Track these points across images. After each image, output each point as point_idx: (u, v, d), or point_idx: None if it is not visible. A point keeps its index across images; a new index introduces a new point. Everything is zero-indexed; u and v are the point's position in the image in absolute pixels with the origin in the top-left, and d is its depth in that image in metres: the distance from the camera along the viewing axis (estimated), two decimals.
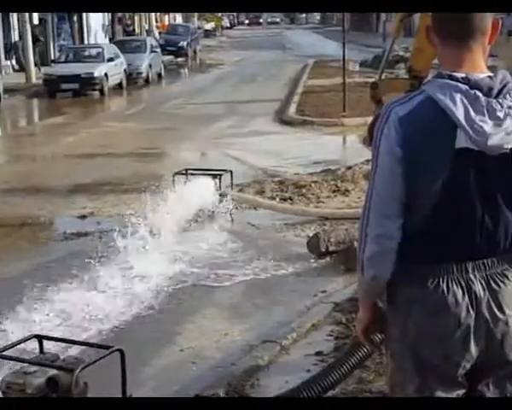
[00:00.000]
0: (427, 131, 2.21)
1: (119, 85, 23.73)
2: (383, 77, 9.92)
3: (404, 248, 2.29)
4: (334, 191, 9.10)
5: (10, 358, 3.67)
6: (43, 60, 27.67)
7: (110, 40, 32.12)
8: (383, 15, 51.53)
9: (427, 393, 2.31)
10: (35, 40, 26.70)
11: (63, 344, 4.17)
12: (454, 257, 2.25)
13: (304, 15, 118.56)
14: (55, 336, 4.40)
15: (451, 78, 2.21)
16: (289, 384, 4.20)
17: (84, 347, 4.28)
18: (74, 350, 4.34)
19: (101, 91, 22.22)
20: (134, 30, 41.07)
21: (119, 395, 3.77)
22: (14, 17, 29.14)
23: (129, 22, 41.33)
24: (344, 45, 16.42)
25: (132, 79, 25.11)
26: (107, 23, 36.85)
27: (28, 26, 24.98)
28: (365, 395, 4.03)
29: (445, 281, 2.24)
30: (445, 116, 2.19)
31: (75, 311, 5.72)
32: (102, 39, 35.51)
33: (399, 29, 8.66)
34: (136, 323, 5.54)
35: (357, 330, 2.50)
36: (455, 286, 2.23)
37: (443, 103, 2.19)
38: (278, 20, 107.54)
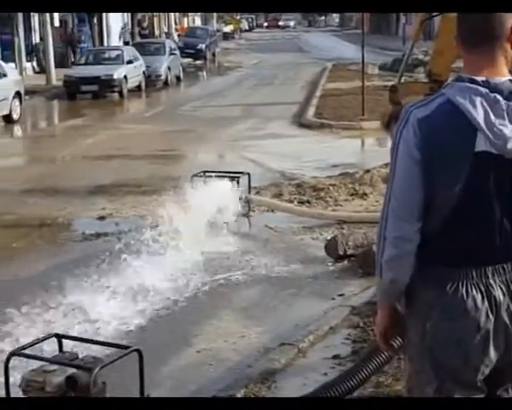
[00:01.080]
0: (447, 134, 2.21)
1: (138, 88, 23.83)
2: (402, 80, 9.90)
3: (423, 252, 2.29)
4: (352, 195, 9.08)
5: (30, 356, 3.70)
6: (62, 62, 27.86)
7: (125, 43, 32.19)
8: (403, 18, 51.37)
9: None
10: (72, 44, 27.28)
11: (81, 343, 4.19)
12: (473, 261, 2.24)
13: (323, 18, 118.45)
14: (73, 335, 4.42)
15: (472, 81, 2.21)
16: (306, 387, 4.20)
17: (102, 346, 4.31)
18: (92, 350, 4.38)
19: (121, 93, 22.32)
20: (150, 33, 41.18)
21: (137, 395, 3.80)
22: (35, 19, 29.37)
23: (144, 25, 41.44)
24: (363, 48, 16.40)
25: (151, 81, 25.21)
26: (122, 26, 36.87)
27: (49, 28, 25.14)
28: None
29: (465, 285, 2.23)
30: (464, 119, 2.19)
31: (93, 311, 5.75)
32: (118, 42, 35.68)
33: (419, 32, 8.65)
34: (153, 324, 5.56)
35: (376, 334, 2.50)
36: (474, 291, 2.23)
37: (463, 107, 2.18)
38: (292, 23, 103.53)
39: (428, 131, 2.22)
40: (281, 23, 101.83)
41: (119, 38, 35.33)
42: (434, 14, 8.31)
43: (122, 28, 35.97)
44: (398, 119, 2.30)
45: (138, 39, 33.24)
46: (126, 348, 3.92)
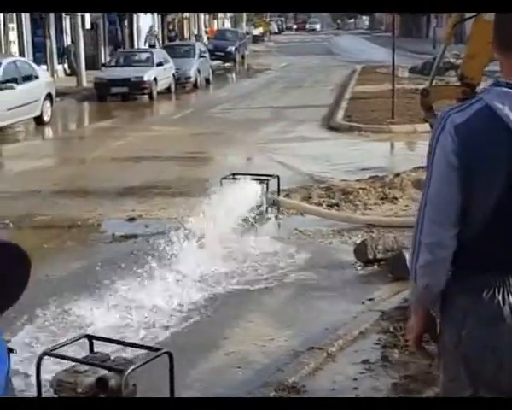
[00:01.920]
0: (484, 140, 2.19)
1: (168, 90, 23.94)
2: (434, 84, 9.82)
3: (459, 257, 2.26)
4: (381, 198, 9.02)
5: (62, 357, 3.73)
6: (93, 64, 28.09)
7: (150, 47, 32.29)
8: (434, 21, 51.05)
9: None
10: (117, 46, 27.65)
11: (111, 345, 4.21)
12: (510, 267, 2.21)
13: (352, 21, 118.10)
14: (104, 336, 4.44)
15: (509, 86, 2.18)
16: (335, 392, 4.19)
17: (131, 348, 4.33)
18: (122, 351, 4.40)
19: (150, 95, 22.44)
20: (176, 35, 41.36)
21: (165, 396, 3.80)
22: (66, 21, 29.65)
23: (171, 27, 41.63)
24: (393, 51, 16.31)
25: (181, 83, 25.32)
26: (148, 29, 36.96)
27: (80, 31, 25.38)
28: None
29: (501, 292, 2.21)
30: (502, 124, 2.16)
31: (123, 312, 5.77)
32: (143, 45, 35.84)
33: (451, 35, 8.56)
34: (182, 326, 5.56)
35: (410, 340, 2.47)
36: (511, 298, 2.20)
37: (501, 112, 2.16)
38: (318, 27, 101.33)
39: (466, 136, 2.20)
40: (307, 26, 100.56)
41: (145, 41, 35.43)
42: (467, 16, 8.23)
43: (148, 31, 36.09)
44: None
45: (167, 42, 33.41)
46: (157, 350, 3.93)
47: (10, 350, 0.84)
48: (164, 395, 3.81)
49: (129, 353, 4.43)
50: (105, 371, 3.65)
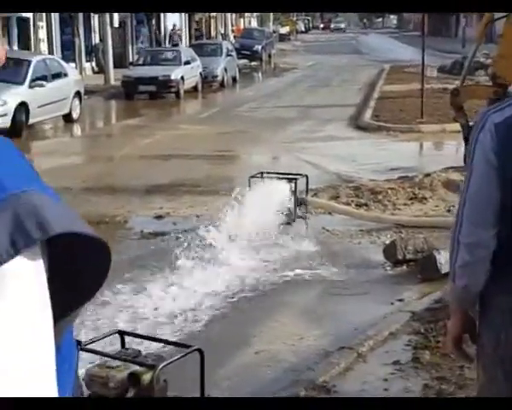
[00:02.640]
0: None
1: (195, 88, 23.99)
2: (464, 83, 9.74)
3: (498, 257, 2.23)
4: (411, 199, 8.96)
5: (94, 351, 3.74)
6: (121, 62, 28.25)
7: (173, 45, 32.38)
8: (463, 20, 50.66)
9: None
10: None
11: (140, 340, 4.22)
12: None
13: (380, 19, 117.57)
14: (135, 332, 4.45)
15: None
16: (365, 393, 4.16)
17: (160, 344, 4.34)
18: (152, 348, 4.41)
19: (177, 94, 22.50)
20: (202, 34, 41.44)
21: (196, 394, 3.80)
22: (95, 20, 29.86)
23: (197, 26, 41.72)
24: (423, 50, 16.19)
25: (208, 82, 25.36)
26: (171, 28, 36.97)
27: (108, 29, 25.53)
28: None
29: None
30: None
31: (152, 309, 5.79)
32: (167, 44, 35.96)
33: (483, 34, 8.49)
34: (211, 324, 5.57)
35: (448, 340, 2.45)
36: None
37: None
38: (343, 26, 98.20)
39: (505, 135, 2.17)
40: (331, 25, 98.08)
41: (169, 40, 35.44)
42: (499, 15, 8.16)
43: (171, 30, 36.12)
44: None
45: (194, 41, 33.50)
46: (188, 347, 3.93)
47: (78, 343, 0.85)
48: (193, 392, 3.81)
49: (158, 350, 4.44)
50: (136, 367, 3.66)
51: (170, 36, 35.99)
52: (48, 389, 0.70)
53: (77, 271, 0.75)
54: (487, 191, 2.21)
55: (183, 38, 37.73)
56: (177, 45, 32.05)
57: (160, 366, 3.60)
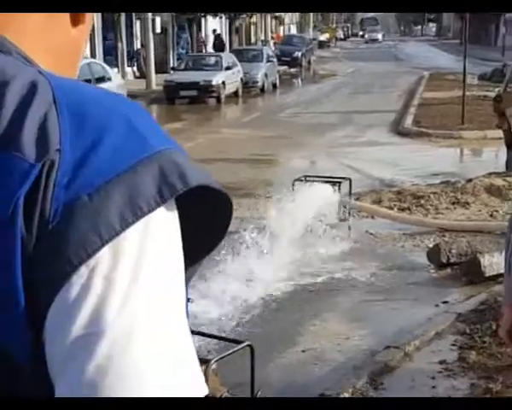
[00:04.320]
0: None
1: (235, 94, 24.17)
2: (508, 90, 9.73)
3: None
4: (453, 203, 8.97)
5: None
6: (162, 67, 28.58)
7: (216, 51, 32.52)
8: (502, 28, 50.20)
9: None
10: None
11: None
12: None
13: (419, 27, 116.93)
14: None
15: None
16: (414, 390, 4.22)
17: (207, 339, 4.44)
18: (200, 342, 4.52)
19: (218, 99, 22.69)
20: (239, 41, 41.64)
21: (245, 388, 3.90)
22: (137, 25, 30.26)
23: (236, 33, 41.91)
24: (465, 57, 16.16)
25: (248, 87, 25.52)
26: (221, 32, 37.26)
27: (150, 35, 25.86)
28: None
29: None
30: None
31: (195, 309, 5.89)
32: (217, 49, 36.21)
33: None
34: (258, 322, 5.67)
35: (502, 333, 2.51)
36: None
37: None
38: (380, 36, 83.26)
39: None
40: (365, 36, 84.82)
41: (213, 45, 35.49)
42: None
43: (214, 34, 36.29)
44: None
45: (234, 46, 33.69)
46: (239, 342, 4.03)
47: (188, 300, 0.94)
48: (244, 388, 3.90)
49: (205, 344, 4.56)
50: None
51: (213, 42, 36.10)
52: (187, 341, 0.77)
53: (199, 226, 0.85)
54: None
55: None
56: (222, 50, 32.05)
57: (213, 361, 3.70)
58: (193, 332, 3.17)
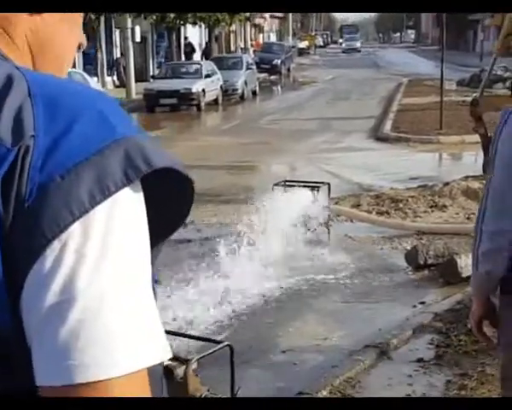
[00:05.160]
0: None
1: (215, 101, 24.25)
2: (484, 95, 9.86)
3: None
4: (431, 207, 9.08)
5: None
6: (142, 76, 28.61)
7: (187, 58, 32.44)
8: (481, 34, 50.72)
9: None
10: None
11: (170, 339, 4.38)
12: None
13: (397, 34, 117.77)
14: (166, 329, 4.61)
15: None
16: (391, 387, 4.30)
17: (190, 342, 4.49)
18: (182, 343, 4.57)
19: (198, 107, 22.75)
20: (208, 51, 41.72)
21: (224, 388, 3.95)
22: (116, 34, 30.27)
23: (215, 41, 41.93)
24: (442, 62, 16.33)
25: (228, 95, 25.62)
26: (203, 42, 37.30)
27: (130, 44, 25.89)
28: None
29: None
30: None
31: (178, 312, 5.94)
32: (199, 57, 36.30)
33: (503, 46, 8.61)
34: (239, 325, 5.73)
35: (471, 324, 2.59)
36: None
37: None
38: (358, 44, 77.96)
39: None
40: (343, 45, 79.36)
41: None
42: None
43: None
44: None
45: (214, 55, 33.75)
46: (218, 342, 4.09)
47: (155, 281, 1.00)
48: (223, 387, 3.95)
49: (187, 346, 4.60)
50: (169, 362, 3.83)
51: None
52: (153, 312, 0.84)
53: (164, 207, 0.91)
54: (510, 183, 2.36)
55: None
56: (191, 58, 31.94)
57: (194, 360, 3.75)
58: (173, 333, 3.20)
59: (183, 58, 34.46)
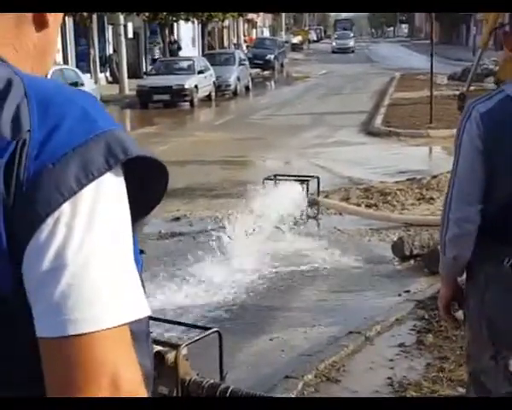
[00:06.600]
0: (507, 126, 2.49)
1: (208, 97, 24.38)
2: (472, 89, 10.04)
3: (483, 231, 2.56)
4: (418, 199, 9.27)
5: None
6: (135, 72, 28.70)
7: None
8: (473, 29, 50.91)
9: (500, 362, 2.56)
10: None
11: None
12: None
13: (391, 29, 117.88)
14: (156, 316, 4.79)
15: None
16: (373, 371, 4.49)
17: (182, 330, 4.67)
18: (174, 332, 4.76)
19: (191, 102, 22.90)
20: (213, 46, 41.77)
21: (216, 374, 4.13)
22: (109, 31, 30.36)
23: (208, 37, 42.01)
24: (432, 56, 16.53)
25: (221, 90, 25.76)
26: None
27: (123, 40, 25.99)
28: (445, 383, 4.26)
29: None
30: None
31: (169, 303, 6.12)
32: (191, 53, 36.37)
33: (488, 41, 8.80)
34: (228, 314, 5.91)
35: (439, 307, 2.78)
36: None
37: None
38: (351, 43, 63.64)
39: (490, 123, 2.50)
40: (333, 44, 65.55)
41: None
42: (505, 23, 8.45)
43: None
44: None
45: (206, 50, 33.84)
46: (207, 329, 4.27)
47: (142, 251, 1.18)
48: (212, 371, 4.13)
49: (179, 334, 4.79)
50: (160, 347, 4.00)
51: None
52: (133, 275, 1.01)
53: (142, 190, 1.08)
54: (473, 173, 2.54)
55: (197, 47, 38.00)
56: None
57: (183, 345, 3.93)
58: (165, 320, 3.41)
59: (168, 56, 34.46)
